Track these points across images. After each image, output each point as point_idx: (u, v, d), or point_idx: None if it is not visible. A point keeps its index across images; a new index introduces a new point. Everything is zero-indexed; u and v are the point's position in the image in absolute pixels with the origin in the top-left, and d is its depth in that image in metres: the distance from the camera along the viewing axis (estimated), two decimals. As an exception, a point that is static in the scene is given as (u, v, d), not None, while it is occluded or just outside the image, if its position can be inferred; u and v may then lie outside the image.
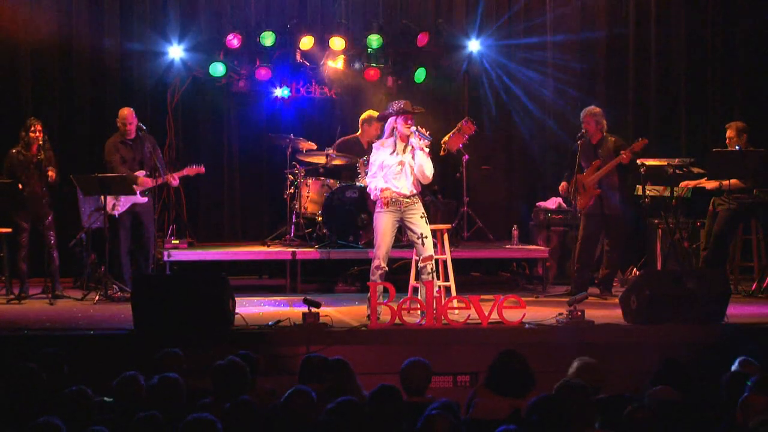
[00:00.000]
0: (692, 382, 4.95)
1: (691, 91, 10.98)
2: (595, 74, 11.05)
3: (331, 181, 9.77)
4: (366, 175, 7.71)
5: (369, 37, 10.65)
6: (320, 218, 9.57)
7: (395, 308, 6.87)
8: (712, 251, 8.70)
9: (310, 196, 9.72)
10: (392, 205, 7.19)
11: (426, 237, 7.18)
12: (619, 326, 7.06)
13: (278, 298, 8.69)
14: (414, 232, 7.20)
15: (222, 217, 11.01)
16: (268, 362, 6.27)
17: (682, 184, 9.00)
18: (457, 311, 7.23)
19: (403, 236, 7.98)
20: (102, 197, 8.53)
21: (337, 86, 10.95)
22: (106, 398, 4.74)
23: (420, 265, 7.21)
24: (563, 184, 8.85)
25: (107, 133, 9.27)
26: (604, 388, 4.93)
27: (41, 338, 6.59)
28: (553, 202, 10.17)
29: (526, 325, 6.90)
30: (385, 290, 7.05)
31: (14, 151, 8.61)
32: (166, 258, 9.13)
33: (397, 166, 7.22)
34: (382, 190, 7.19)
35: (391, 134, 7.30)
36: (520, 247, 9.87)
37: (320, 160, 9.86)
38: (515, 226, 10.02)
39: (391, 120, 7.30)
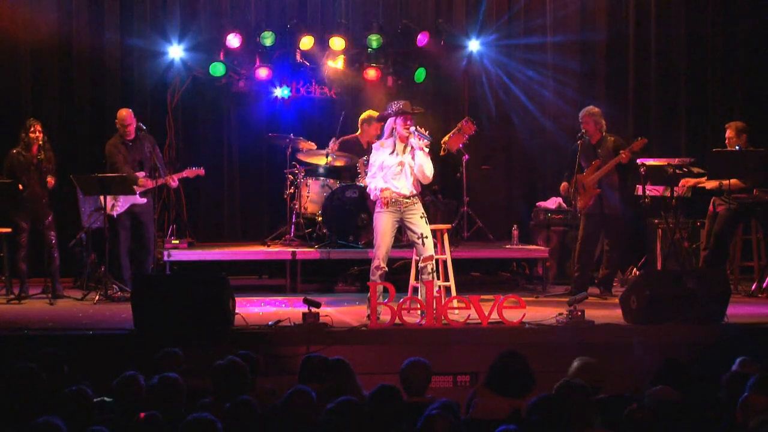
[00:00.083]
0: (692, 382, 4.95)
1: (691, 91, 10.99)
2: (595, 74, 11.05)
3: (331, 181, 9.77)
4: (366, 175, 7.70)
5: (369, 37, 10.66)
6: (320, 218, 9.57)
7: (395, 308, 6.87)
8: (712, 251, 8.70)
9: (310, 196, 9.71)
10: (392, 205, 7.19)
11: (426, 237, 7.19)
12: (619, 326, 7.06)
13: (278, 298, 8.68)
14: (414, 232, 7.21)
15: (222, 217, 11.02)
16: (268, 362, 6.27)
17: (682, 181, 8.99)
18: (457, 311, 7.23)
19: (403, 236, 7.98)
20: (101, 197, 8.54)
21: (337, 86, 10.95)
22: (106, 398, 4.74)
23: (420, 265, 7.21)
24: (564, 184, 8.85)
25: (107, 133, 9.27)
26: (604, 388, 4.93)
27: (41, 338, 6.59)
28: (553, 202, 10.17)
29: (526, 325, 6.90)
30: (385, 290, 7.06)
31: (15, 151, 8.61)
32: (166, 258, 9.12)
33: (396, 166, 7.22)
34: (381, 191, 7.20)
35: (391, 135, 7.30)
36: (520, 247, 9.87)
37: (320, 160, 9.86)
38: (515, 226, 10.02)
39: (390, 120, 7.30)
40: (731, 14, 10.93)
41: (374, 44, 10.68)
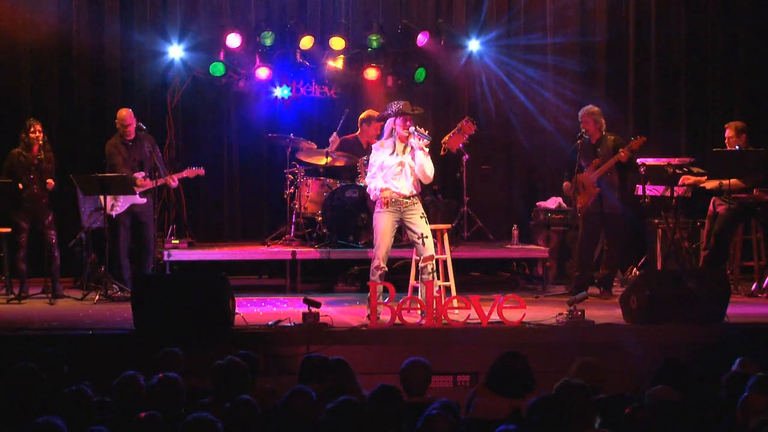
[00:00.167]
0: (692, 382, 4.95)
1: (691, 91, 10.98)
2: (595, 74, 11.04)
3: (331, 181, 9.77)
4: (366, 175, 7.71)
5: (369, 37, 10.65)
6: (320, 218, 9.57)
7: (395, 308, 6.87)
8: (712, 251, 8.70)
9: (310, 195, 9.71)
10: (392, 205, 7.20)
11: (426, 237, 7.19)
12: (619, 326, 7.06)
13: (278, 298, 8.68)
14: (414, 232, 7.21)
15: (222, 217, 11.01)
16: (268, 362, 6.27)
17: (682, 179, 8.99)
18: (457, 311, 7.23)
19: (403, 236, 7.98)
20: (101, 197, 8.54)
21: (337, 86, 10.95)
22: (107, 398, 4.74)
23: (421, 265, 7.21)
24: (566, 183, 8.85)
25: (107, 133, 9.27)
26: (604, 388, 4.93)
27: (41, 338, 6.59)
28: (553, 202, 10.17)
29: (526, 325, 6.90)
30: (385, 290, 7.06)
31: (16, 151, 8.61)
32: (166, 258, 9.12)
33: (396, 166, 7.22)
34: (381, 191, 7.20)
35: (391, 135, 7.31)
36: (520, 247, 9.87)
37: (320, 160, 9.86)
38: (515, 226, 10.02)
39: (390, 121, 7.31)
40: (731, 14, 10.93)
41: (374, 44, 10.68)
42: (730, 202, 8.59)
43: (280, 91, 10.78)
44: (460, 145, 9.85)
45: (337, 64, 10.69)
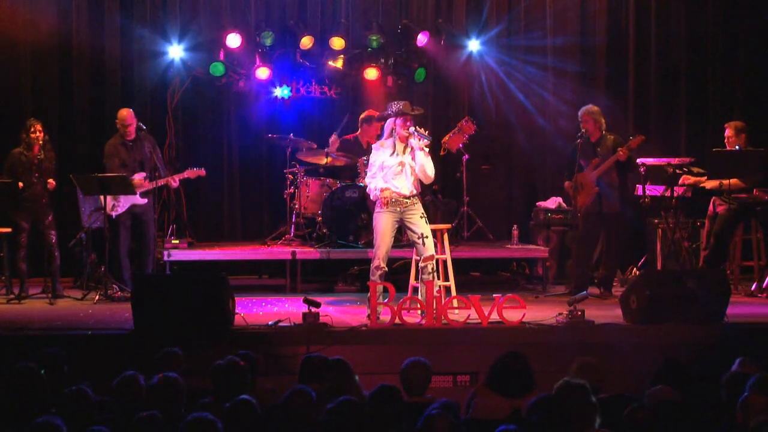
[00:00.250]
0: (692, 382, 4.95)
1: (691, 91, 10.98)
2: (595, 74, 11.04)
3: (331, 181, 9.77)
4: (366, 175, 7.71)
5: (369, 37, 10.65)
6: (320, 218, 9.57)
7: (395, 308, 6.87)
8: (712, 251, 8.70)
9: (310, 195, 9.72)
10: (392, 205, 7.20)
11: (426, 237, 7.19)
12: (619, 326, 7.06)
13: (278, 298, 8.68)
14: (414, 232, 7.21)
15: (222, 217, 11.01)
16: (268, 362, 6.27)
17: (682, 178, 8.99)
18: (457, 311, 7.23)
19: (403, 236, 7.98)
20: (102, 197, 8.54)
21: (337, 86, 10.95)
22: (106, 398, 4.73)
23: (421, 264, 7.21)
24: (567, 182, 8.86)
25: (107, 133, 9.28)
26: (604, 388, 4.93)
27: (41, 338, 6.59)
28: (553, 202, 10.17)
29: (526, 325, 6.90)
30: (385, 290, 7.06)
31: (17, 151, 8.61)
32: (166, 258, 9.12)
33: (397, 166, 7.23)
34: (381, 190, 7.20)
35: (391, 135, 7.31)
36: (520, 246, 9.87)
37: (320, 160, 9.86)
38: (515, 226, 10.02)
39: (390, 121, 7.31)
40: (731, 14, 10.93)
41: (374, 44, 10.68)
42: (730, 202, 8.59)
43: (280, 91, 10.77)
44: (460, 145, 9.85)
45: (337, 64, 10.68)
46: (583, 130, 8.67)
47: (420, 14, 11.08)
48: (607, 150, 8.59)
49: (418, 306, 7.08)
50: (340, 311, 7.78)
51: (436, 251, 7.48)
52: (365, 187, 7.60)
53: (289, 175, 9.87)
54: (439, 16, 11.02)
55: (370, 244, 8.35)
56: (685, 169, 9.08)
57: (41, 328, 7.07)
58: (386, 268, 7.23)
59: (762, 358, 5.41)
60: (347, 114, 10.29)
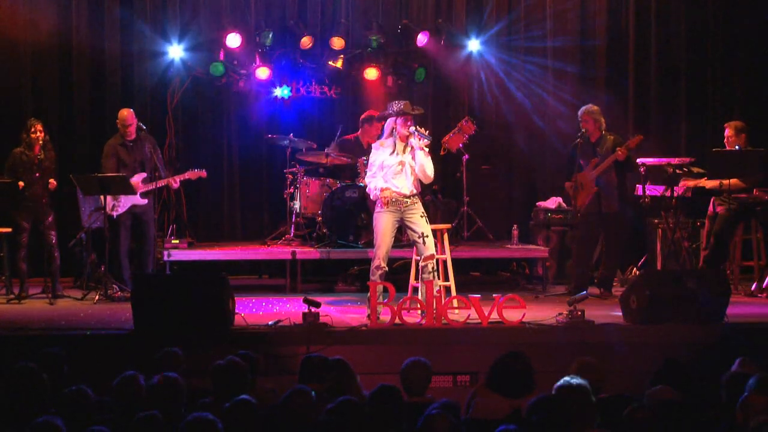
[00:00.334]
0: (692, 382, 4.94)
1: (691, 91, 10.98)
2: (595, 74, 11.04)
3: (331, 181, 9.77)
4: (366, 174, 7.71)
5: (369, 37, 10.65)
6: (320, 218, 9.57)
7: (395, 308, 6.87)
8: (712, 251, 8.70)
9: (310, 195, 9.72)
10: (392, 205, 7.20)
11: (427, 236, 7.19)
12: (619, 326, 7.06)
13: (278, 298, 8.68)
14: (415, 232, 7.21)
15: (222, 216, 11.01)
16: (268, 362, 6.27)
17: (683, 182, 9.00)
18: (457, 311, 7.23)
19: (403, 236, 7.98)
20: (102, 197, 8.54)
21: (337, 86, 10.95)
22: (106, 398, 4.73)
23: (421, 264, 7.21)
24: (567, 183, 8.86)
25: (107, 133, 9.28)
26: (604, 388, 4.93)
27: (41, 338, 6.59)
28: (553, 202, 10.17)
29: (526, 325, 6.90)
30: (385, 290, 7.06)
31: (18, 151, 8.62)
32: (166, 258, 9.12)
33: (397, 166, 7.23)
34: (382, 190, 7.20)
35: (391, 134, 7.32)
36: (520, 246, 9.87)
37: (320, 159, 9.86)
38: (515, 225, 10.02)
39: (390, 120, 7.32)
40: (731, 14, 10.93)
41: (374, 44, 10.68)
42: (730, 202, 8.59)
43: (280, 91, 10.77)
44: (460, 145, 9.85)
45: (337, 64, 10.68)
46: (583, 130, 8.67)
47: (420, 14, 11.08)
48: (607, 150, 8.59)
49: (418, 306, 7.08)
50: (340, 311, 7.78)
51: (436, 251, 7.47)
52: (365, 187, 7.59)
53: (289, 175, 9.87)
54: (439, 16, 11.02)
55: (370, 244, 8.35)
56: (685, 169, 9.07)
57: (41, 328, 7.06)
58: (386, 268, 7.23)
59: (762, 358, 5.41)
60: (340, 127, 10.26)
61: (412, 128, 7.22)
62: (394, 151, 7.27)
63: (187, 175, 9.19)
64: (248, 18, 10.75)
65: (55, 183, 8.62)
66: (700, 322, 6.94)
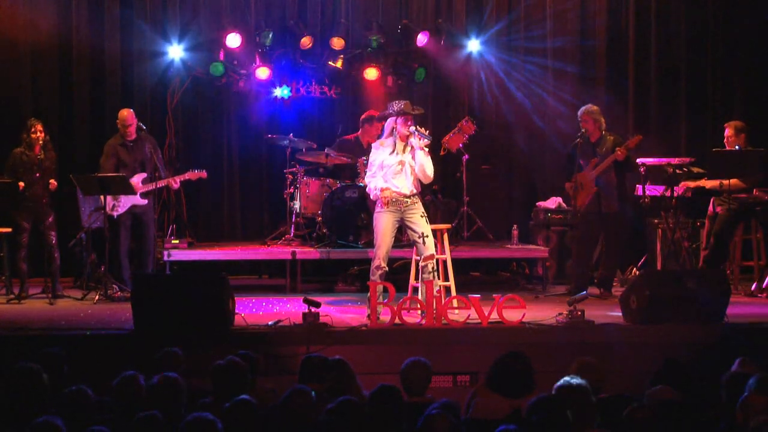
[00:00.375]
0: (692, 382, 4.94)
1: (691, 91, 10.98)
2: (595, 74, 11.04)
3: (331, 181, 9.77)
4: (366, 174, 7.71)
5: (369, 37, 10.65)
6: (320, 218, 9.57)
7: (395, 308, 6.87)
8: (712, 251, 8.70)
9: (310, 195, 9.72)
10: (392, 204, 7.20)
11: (427, 236, 7.19)
12: (619, 326, 7.06)
13: (278, 298, 8.68)
14: (415, 232, 7.21)
15: (222, 216, 11.01)
16: (268, 362, 6.27)
17: (683, 184, 9.01)
18: (457, 311, 7.23)
19: (403, 236, 7.98)
20: (102, 197, 8.54)
21: (337, 86, 10.95)
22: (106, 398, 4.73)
23: (421, 264, 7.21)
24: (567, 183, 8.86)
25: (107, 133, 9.29)
26: (604, 388, 4.93)
27: (41, 338, 6.59)
28: (553, 202, 10.17)
29: (526, 325, 6.90)
30: (385, 290, 7.06)
31: (18, 151, 8.62)
32: (166, 258, 9.12)
33: (397, 165, 7.23)
34: (382, 190, 7.20)
35: (391, 134, 7.32)
36: (520, 246, 9.87)
37: (320, 159, 9.86)
38: (515, 225, 10.02)
39: (390, 120, 7.32)
40: (731, 14, 10.93)
41: (374, 44, 10.68)
42: (730, 202, 8.59)
43: (280, 91, 10.77)
44: (460, 145, 9.85)
45: (337, 64, 10.68)
46: (583, 130, 8.67)
47: (420, 14, 11.08)
48: (607, 150, 8.59)
49: (418, 306, 7.08)
50: (340, 311, 7.78)
51: (436, 251, 7.47)
52: (365, 187, 7.59)
53: (289, 175, 9.87)
54: (439, 16, 11.02)
55: (370, 244, 8.35)
56: (685, 169, 9.07)
57: (41, 328, 7.06)
58: (386, 268, 7.23)
59: (762, 358, 5.41)
60: (339, 132, 10.25)
61: (413, 128, 7.22)
62: (394, 151, 7.27)
63: (187, 176, 9.19)
64: (248, 18, 10.75)
65: (55, 183, 8.63)
66: (700, 322, 6.94)
